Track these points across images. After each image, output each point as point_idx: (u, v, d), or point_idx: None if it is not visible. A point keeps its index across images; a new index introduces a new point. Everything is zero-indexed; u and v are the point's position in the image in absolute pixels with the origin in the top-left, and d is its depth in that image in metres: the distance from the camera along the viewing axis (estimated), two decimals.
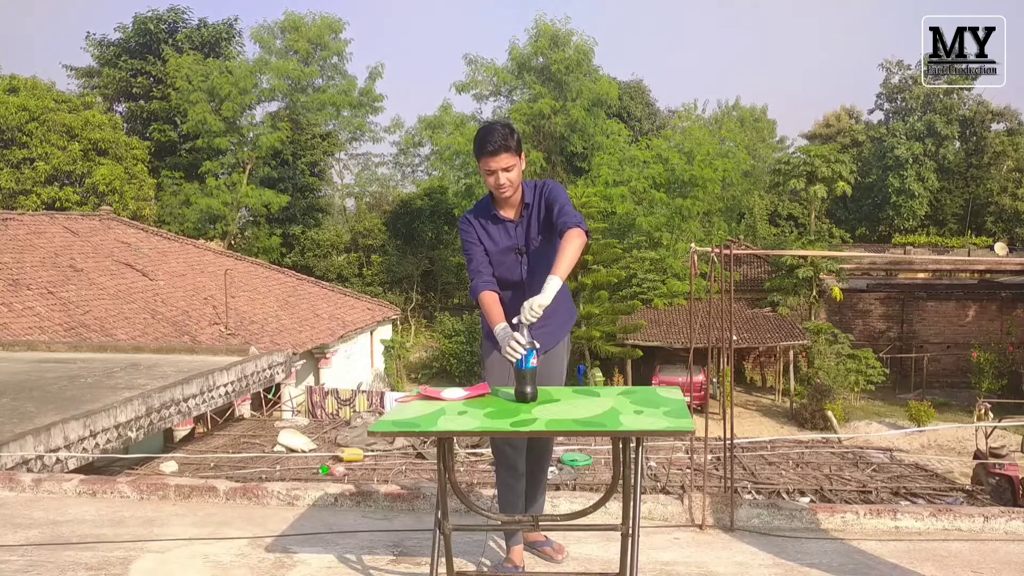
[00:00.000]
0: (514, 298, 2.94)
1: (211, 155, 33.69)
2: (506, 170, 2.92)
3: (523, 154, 3.02)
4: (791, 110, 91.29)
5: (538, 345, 2.71)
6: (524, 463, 3.09)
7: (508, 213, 3.05)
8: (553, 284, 2.66)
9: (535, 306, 2.59)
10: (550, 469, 7.59)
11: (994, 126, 43.43)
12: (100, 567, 3.15)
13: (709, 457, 7.04)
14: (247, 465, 8.14)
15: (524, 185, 3.04)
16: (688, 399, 2.87)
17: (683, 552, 3.22)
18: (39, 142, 27.17)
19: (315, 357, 18.80)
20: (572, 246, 2.78)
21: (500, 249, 3.04)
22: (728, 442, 3.75)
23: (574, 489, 6.98)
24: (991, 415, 15.53)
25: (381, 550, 3.26)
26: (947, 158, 42.49)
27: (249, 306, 18.94)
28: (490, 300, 2.94)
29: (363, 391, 16.34)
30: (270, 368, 9.66)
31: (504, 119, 34.48)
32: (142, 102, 35.18)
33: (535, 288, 2.73)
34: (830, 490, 7.17)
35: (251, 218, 35.06)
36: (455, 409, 2.63)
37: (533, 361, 2.65)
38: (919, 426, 20.01)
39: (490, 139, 2.89)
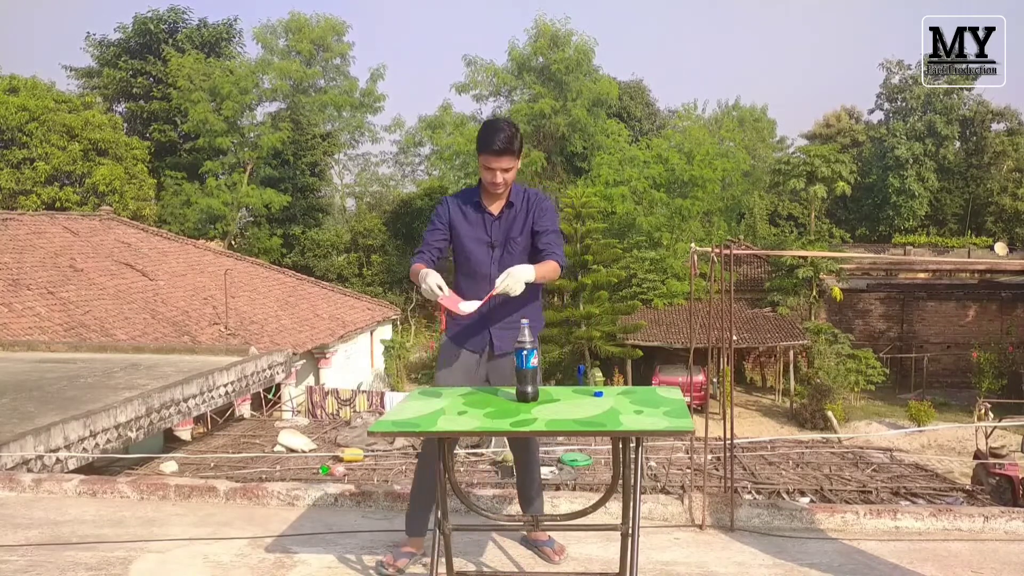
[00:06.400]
0: (479, 290, 2.96)
1: (212, 155, 33.68)
2: (505, 171, 2.94)
3: (520, 156, 3.04)
4: (791, 110, 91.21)
5: (537, 343, 2.72)
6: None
7: (491, 206, 3.07)
8: (529, 269, 2.81)
9: (516, 273, 2.74)
10: (550, 469, 7.62)
11: (994, 126, 43.38)
12: (100, 567, 3.15)
13: (709, 457, 7.04)
14: (247, 465, 8.15)
15: (512, 185, 3.06)
16: (688, 399, 2.88)
17: (683, 552, 3.22)
18: (39, 142, 27.15)
19: (315, 357, 18.79)
20: (549, 268, 2.92)
21: (472, 237, 3.06)
22: (728, 442, 3.75)
23: (574, 489, 6.98)
24: (991, 415, 15.52)
25: (381, 550, 3.25)
26: (947, 158, 42.44)
27: (249, 306, 18.94)
28: (422, 265, 2.93)
29: (363, 391, 16.32)
30: (270, 368, 9.67)
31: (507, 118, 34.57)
32: (142, 102, 35.17)
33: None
34: (830, 490, 7.18)
35: (251, 218, 35.05)
36: (455, 409, 2.64)
37: (534, 361, 2.66)
38: (919, 426, 20.00)
39: (497, 139, 2.88)
